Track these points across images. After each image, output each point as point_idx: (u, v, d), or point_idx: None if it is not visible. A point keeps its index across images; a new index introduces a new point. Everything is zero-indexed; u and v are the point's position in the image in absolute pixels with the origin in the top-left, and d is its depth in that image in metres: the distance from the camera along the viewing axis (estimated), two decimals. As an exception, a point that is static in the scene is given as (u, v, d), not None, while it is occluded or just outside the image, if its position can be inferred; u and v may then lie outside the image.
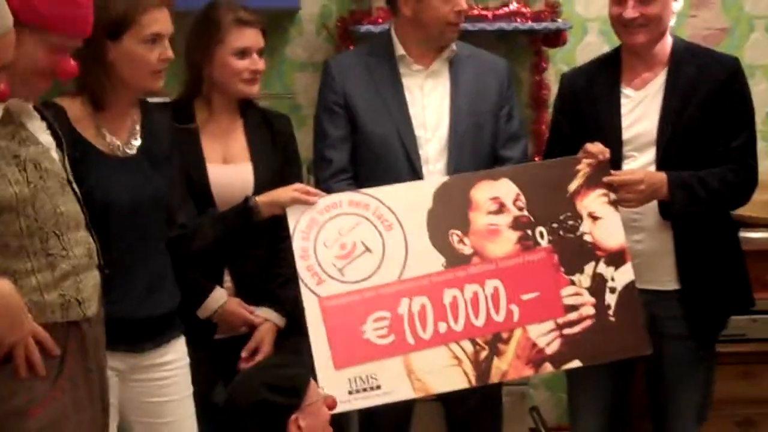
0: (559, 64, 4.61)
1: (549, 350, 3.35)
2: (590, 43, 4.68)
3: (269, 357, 3.35)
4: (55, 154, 2.63)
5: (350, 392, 3.20)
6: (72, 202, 2.63)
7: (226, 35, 3.42)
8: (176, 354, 3.16)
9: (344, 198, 3.37)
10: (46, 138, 2.62)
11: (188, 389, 3.18)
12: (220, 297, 3.39)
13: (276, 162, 3.52)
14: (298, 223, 3.31)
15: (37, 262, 2.53)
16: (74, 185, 2.68)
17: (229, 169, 3.48)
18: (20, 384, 2.49)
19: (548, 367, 3.38)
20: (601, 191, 3.43)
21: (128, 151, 3.08)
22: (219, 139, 3.51)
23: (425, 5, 3.55)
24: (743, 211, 3.78)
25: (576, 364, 3.38)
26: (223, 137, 3.51)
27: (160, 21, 3.03)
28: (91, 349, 2.66)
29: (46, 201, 2.54)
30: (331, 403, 2.94)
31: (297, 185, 3.37)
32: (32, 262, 2.53)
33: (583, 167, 3.43)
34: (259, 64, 3.48)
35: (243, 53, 3.44)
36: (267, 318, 3.47)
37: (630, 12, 3.46)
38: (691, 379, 3.59)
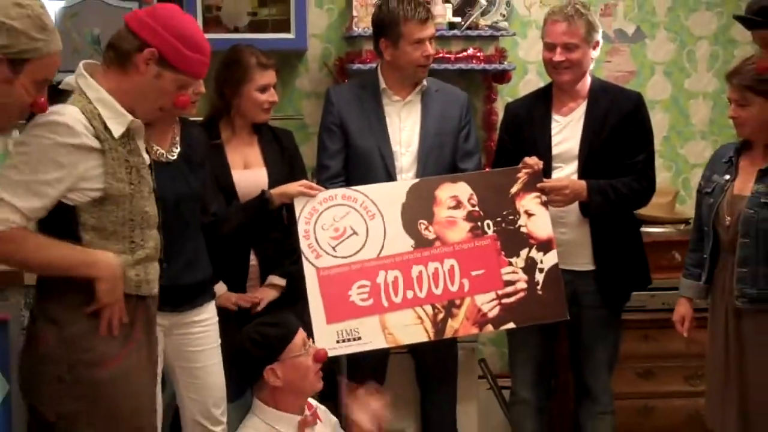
0: (505, 96, 4.53)
1: (491, 314, 3.43)
2: (529, 81, 4.61)
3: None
4: (147, 167, 2.68)
5: (338, 342, 3.29)
6: (153, 206, 2.66)
7: (253, 75, 3.50)
8: (208, 314, 3.23)
9: (338, 192, 3.44)
10: (145, 155, 2.67)
11: (217, 341, 3.25)
12: (217, 290, 3.40)
13: (284, 167, 3.59)
14: (302, 211, 3.38)
15: (122, 246, 2.56)
16: (156, 193, 2.70)
17: (249, 173, 3.56)
18: (99, 340, 2.50)
19: (490, 328, 3.47)
20: (535, 194, 3.50)
21: (170, 157, 3.14)
22: (240, 151, 3.58)
23: (400, 52, 3.60)
24: (644, 211, 3.86)
25: (511, 325, 3.47)
26: (243, 149, 3.59)
27: None
28: (152, 322, 2.70)
29: (139, 201, 2.58)
30: (319, 357, 3.00)
31: (303, 181, 3.47)
32: (120, 244, 2.56)
33: (522, 175, 3.51)
34: (275, 96, 3.57)
35: (264, 89, 3.53)
36: (272, 282, 3.52)
37: (558, 57, 3.55)
38: (603, 339, 3.68)
